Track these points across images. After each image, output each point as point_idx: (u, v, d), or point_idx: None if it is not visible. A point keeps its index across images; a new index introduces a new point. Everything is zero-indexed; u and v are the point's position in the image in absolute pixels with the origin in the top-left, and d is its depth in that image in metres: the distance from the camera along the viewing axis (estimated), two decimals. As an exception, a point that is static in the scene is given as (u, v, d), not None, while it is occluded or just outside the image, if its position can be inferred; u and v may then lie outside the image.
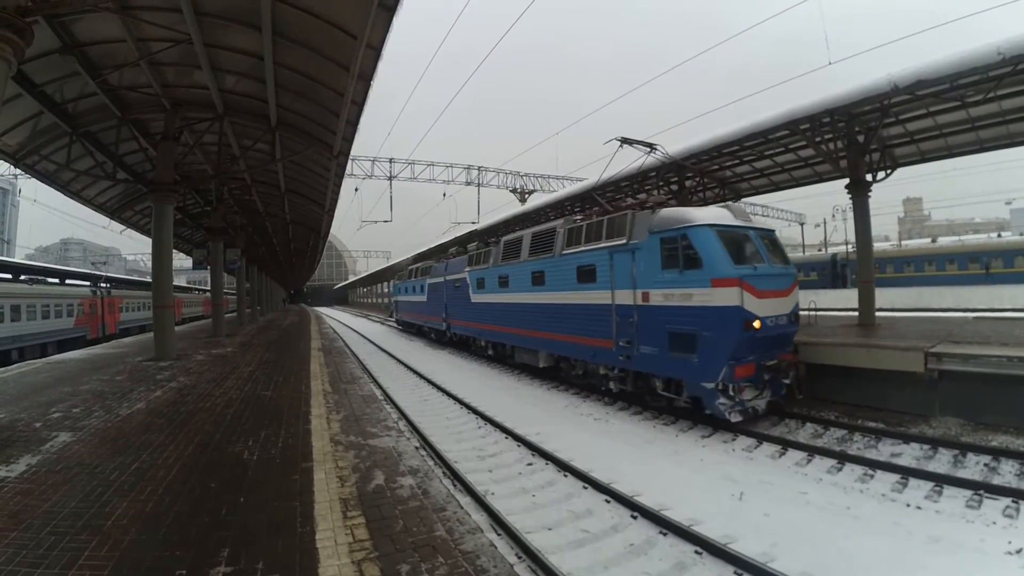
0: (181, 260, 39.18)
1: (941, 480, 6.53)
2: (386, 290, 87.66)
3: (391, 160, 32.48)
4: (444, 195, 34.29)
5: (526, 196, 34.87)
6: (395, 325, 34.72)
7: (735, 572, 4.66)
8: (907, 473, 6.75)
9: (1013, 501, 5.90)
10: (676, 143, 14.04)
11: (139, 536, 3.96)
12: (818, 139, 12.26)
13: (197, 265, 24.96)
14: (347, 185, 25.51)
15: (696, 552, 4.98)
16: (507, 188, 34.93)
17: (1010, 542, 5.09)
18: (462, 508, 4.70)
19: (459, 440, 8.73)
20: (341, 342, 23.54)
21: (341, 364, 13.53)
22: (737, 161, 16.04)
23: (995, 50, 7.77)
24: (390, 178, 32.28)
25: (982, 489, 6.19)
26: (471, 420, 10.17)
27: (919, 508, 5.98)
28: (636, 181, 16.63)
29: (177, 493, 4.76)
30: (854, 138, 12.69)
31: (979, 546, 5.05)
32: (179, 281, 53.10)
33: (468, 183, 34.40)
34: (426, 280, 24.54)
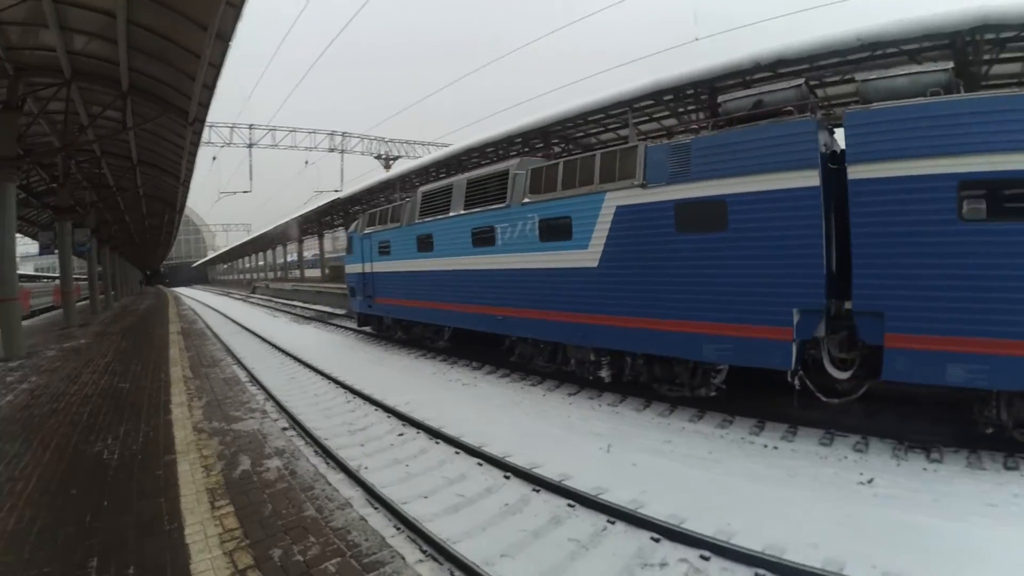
0: (27, 245, 35.72)
1: (795, 422, 6.95)
2: (248, 265, 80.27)
3: (251, 127, 30.62)
4: (306, 163, 32.71)
5: (390, 163, 34.23)
6: (360, 330, 19.18)
7: (608, 520, 4.80)
8: (764, 417, 7.19)
9: (862, 437, 6.42)
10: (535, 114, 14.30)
11: (2, 557, 3.73)
12: (681, 110, 12.67)
13: (44, 249, 22.55)
14: (204, 154, 24.77)
15: (569, 505, 5.11)
16: (371, 155, 34.12)
17: (861, 473, 5.61)
18: (330, 485, 4.86)
19: (328, 416, 8.43)
20: (201, 323, 22.31)
21: (202, 347, 13.22)
22: (602, 129, 15.97)
23: (854, 36, 8.33)
24: (249, 146, 30.55)
25: (832, 428, 6.64)
26: (340, 395, 9.79)
27: (776, 448, 6.42)
28: (502, 147, 16.68)
29: (38, 505, 4.51)
30: (716, 110, 13.24)
31: (833, 479, 5.52)
32: (26, 269, 48.89)
33: (331, 150, 33.06)
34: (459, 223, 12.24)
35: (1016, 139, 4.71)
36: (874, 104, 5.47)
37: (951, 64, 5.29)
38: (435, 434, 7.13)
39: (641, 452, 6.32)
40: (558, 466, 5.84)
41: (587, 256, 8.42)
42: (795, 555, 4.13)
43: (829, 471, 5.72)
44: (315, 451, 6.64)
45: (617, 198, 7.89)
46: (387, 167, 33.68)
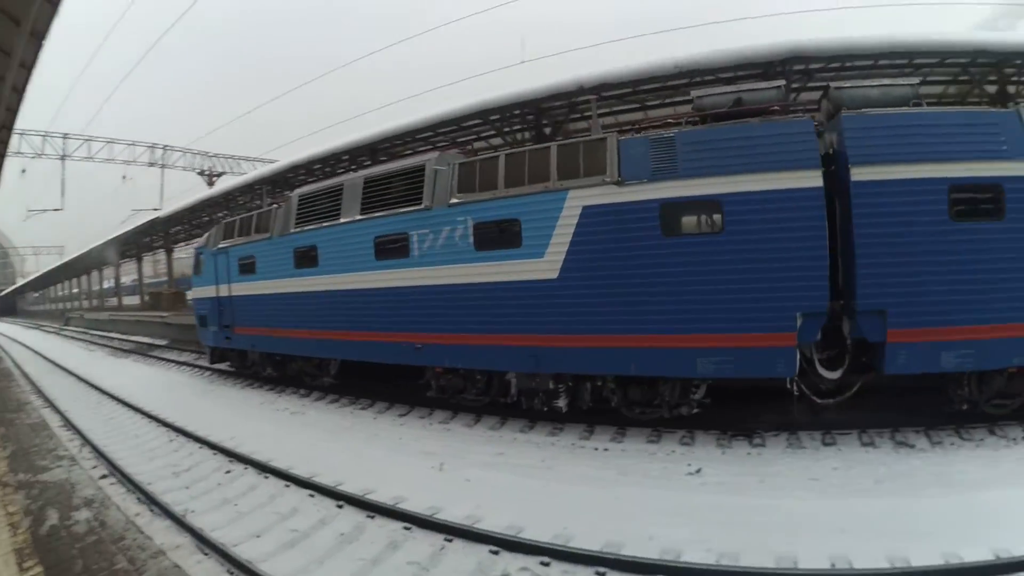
0: None
1: (624, 423, 7.21)
2: (62, 293, 67.78)
3: (65, 136, 26.82)
4: (124, 177, 29.55)
5: (214, 179, 32.09)
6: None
7: (445, 539, 4.77)
8: (593, 422, 7.39)
9: (687, 431, 6.79)
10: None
11: None
12: (507, 129, 13.28)
13: None
14: (12, 165, 21.69)
15: (406, 528, 5.03)
16: (194, 170, 31.95)
17: (689, 465, 5.93)
18: (143, 533, 4.84)
19: (151, 458, 7.79)
20: (9, 362, 20.85)
21: (7, 390, 12.46)
22: (430, 147, 15.90)
23: (673, 63, 8.82)
24: (63, 157, 26.97)
25: (660, 426, 6.96)
26: (163, 433, 9.05)
27: (606, 450, 6.65)
28: (329, 164, 16.13)
29: None
30: (541, 130, 13.45)
31: (663, 473, 5.82)
32: None
33: (152, 164, 30.22)
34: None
35: (994, 150, 5.23)
36: (871, 110, 5.60)
37: (918, 80, 5.83)
38: (264, 468, 6.74)
39: (474, 467, 6.37)
40: (392, 489, 5.74)
41: (543, 266, 7.08)
42: (633, 549, 4.28)
43: (658, 466, 6.04)
44: (138, 498, 6.19)
45: (583, 197, 6.77)
46: (210, 183, 30.93)
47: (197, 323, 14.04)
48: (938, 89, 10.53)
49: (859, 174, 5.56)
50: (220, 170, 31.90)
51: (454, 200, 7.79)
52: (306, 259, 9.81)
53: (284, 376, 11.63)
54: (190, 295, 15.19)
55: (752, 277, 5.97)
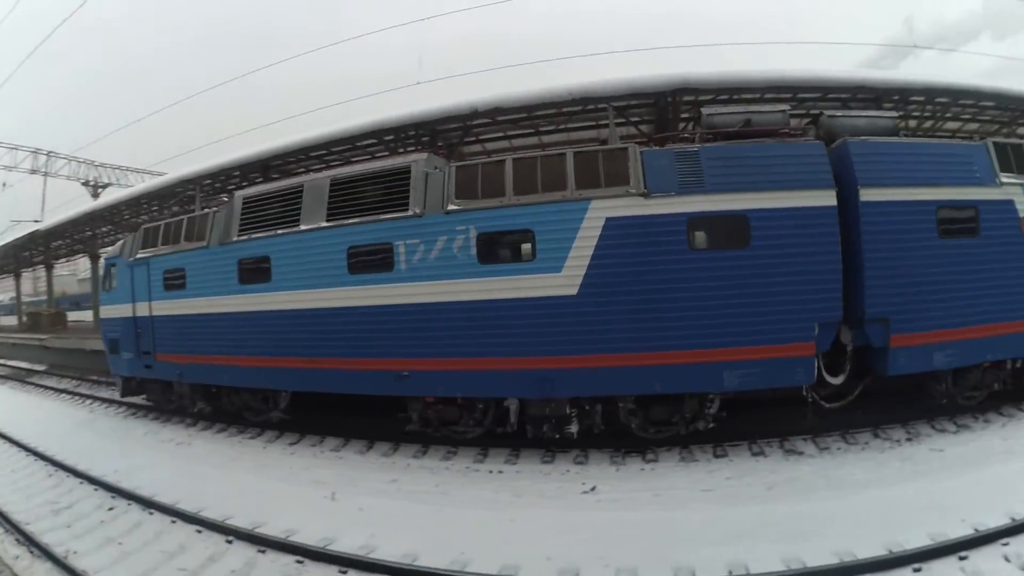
0: None
1: (518, 444, 7.24)
2: None
3: None
4: (3, 184, 27.35)
5: (99, 190, 29.80)
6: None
7: (339, 571, 4.73)
8: (487, 445, 7.39)
9: (581, 451, 6.93)
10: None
11: None
12: (401, 150, 13.28)
13: None
14: None
15: (298, 562, 4.95)
16: (79, 179, 29.43)
17: (584, 483, 6.07)
18: None
19: (29, 495, 7.24)
20: None
21: None
22: (324, 165, 15.69)
23: (566, 90, 8.99)
24: None
25: (553, 446, 7.06)
26: (41, 468, 8.39)
27: (501, 472, 6.72)
28: (219, 180, 15.56)
29: None
30: (437, 151, 13.97)
31: (558, 493, 5.93)
32: None
33: (34, 171, 27.43)
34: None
35: (970, 177, 6.11)
36: (872, 138, 6.21)
37: (899, 113, 6.65)
38: (149, 504, 6.49)
39: (368, 495, 6.26)
40: (283, 521, 5.60)
41: (560, 282, 6.63)
42: (531, 570, 4.39)
43: (553, 486, 6.15)
44: (16, 539, 5.83)
45: (606, 208, 6.50)
46: (95, 195, 28.41)
47: (106, 348, 11.27)
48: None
49: (866, 195, 6.12)
50: (106, 181, 29.78)
51: (452, 207, 6.99)
52: (255, 273, 8.18)
53: (219, 411, 9.59)
54: (102, 314, 11.94)
55: (775, 290, 6.20)
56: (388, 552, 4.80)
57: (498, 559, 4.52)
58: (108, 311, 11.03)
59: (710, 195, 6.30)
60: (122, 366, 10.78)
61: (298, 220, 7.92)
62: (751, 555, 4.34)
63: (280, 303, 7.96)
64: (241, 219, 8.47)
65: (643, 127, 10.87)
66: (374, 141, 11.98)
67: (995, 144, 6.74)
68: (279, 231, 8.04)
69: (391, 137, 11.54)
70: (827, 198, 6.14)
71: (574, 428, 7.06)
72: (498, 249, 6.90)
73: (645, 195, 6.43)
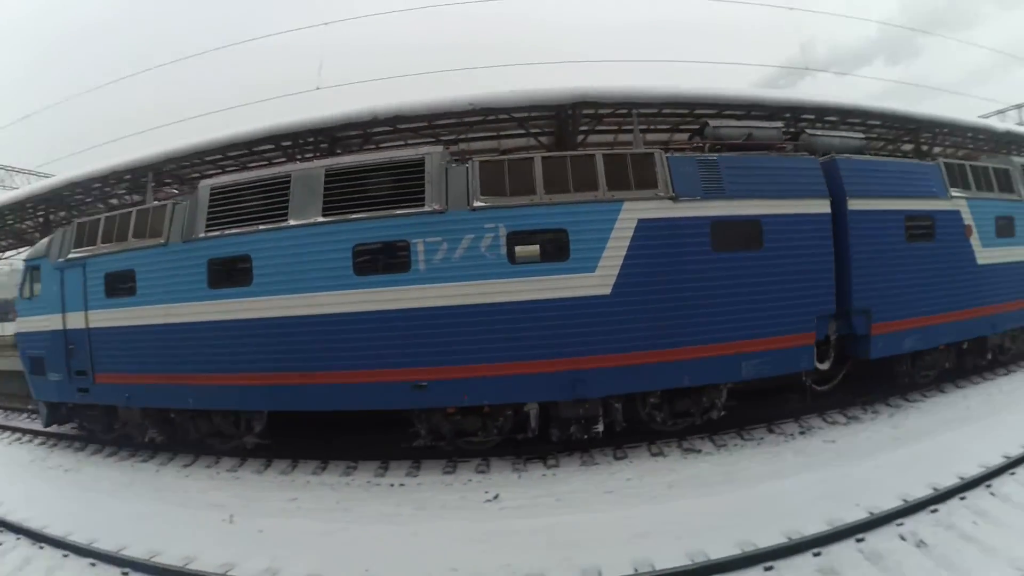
0: None
1: (418, 456, 7.23)
2: None
3: None
4: None
5: None
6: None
7: None
8: (387, 457, 7.35)
9: (482, 459, 7.06)
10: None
11: None
12: (299, 156, 12.97)
13: None
14: None
15: None
16: None
17: (486, 492, 6.15)
18: None
19: None
20: None
21: None
22: (219, 171, 14.48)
23: (468, 100, 8.86)
24: None
25: (455, 455, 7.11)
26: None
27: (403, 485, 6.70)
28: (109, 184, 13.81)
29: None
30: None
31: (461, 503, 6.01)
32: None
33: None
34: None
35: (928, 190, 7.41)
36: (855, 156, 7.23)
37: (863, 135, 7.79)
38: (38, 537, 6.10)
39: (267, 516, 6.11)
40: (181, 548, 5.40)
41: (594, 282, 6.67)
42: None
43: (456, 497, 6.21)
44: None
45: (638, 210, 6.69)
46: None
47: (26, 369, 8.99)
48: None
49: (853, 204, 7.10)
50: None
51: (478, 203, 6.65)
52: (232, 275, 6.98)
53: (176, 440, 8.10)
54: (15, 327, 9.55)
55: (784, 286, 6.90)
56: (293, 573, 4.69)
57: (403, 575, 4.51)
58: (28, 323, 8.70)
59: (730, 201, 6.83)
60: (48, 390, 8.65)
61: (286, 214, 6.92)
62: (656, 552, 4.48)
63: (264, 310, 6.86)
64: (209, 212, 7.17)
65: (543, 139, 11.13)
66: (272, 147, 11.15)
67: (946, 164, 8.21)
68: (261, 226, 6.94)
69: (289, 143, 10.88)
70: (823, 206, 7.02)
71: (600, 427, 7.10)
72: (524, 248, 6.64)
73: (674, 199, 6.75)
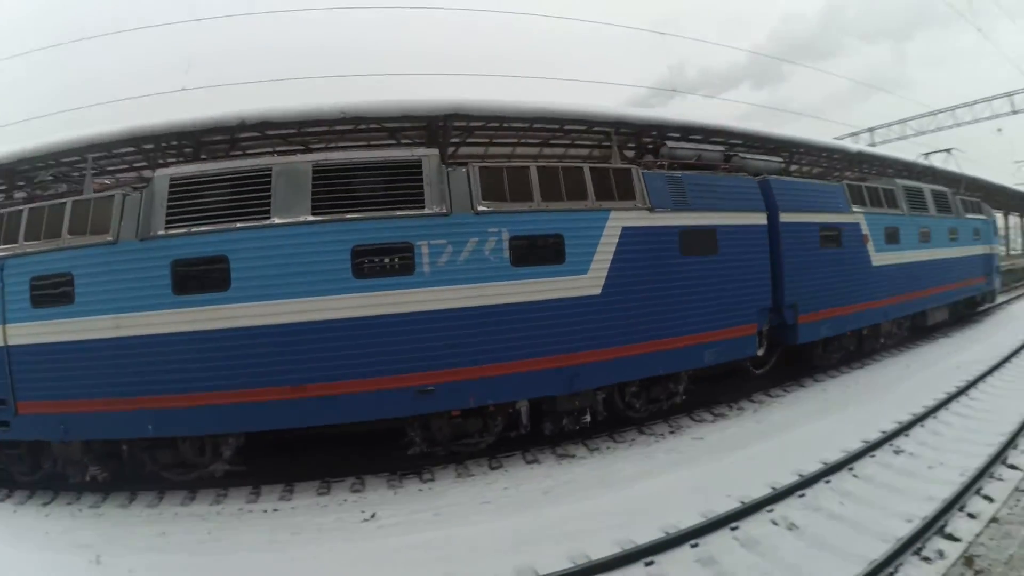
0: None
1: (291, 479, 6.94)
2: None
3: None
4: None
5: None
6: None
7: None
8: (259, 482, 6.95)
9: (356, 477, 6.82)
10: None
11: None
12: (161, 161, 12.01)
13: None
14: None
15: None
16: None
17: (363, 511, 5.97)
18: None
19: None
20: None
21: None
22: (78, 173, 13.13)
23: (339, 108, 8.58)
24: None
25: (328, 477, 6.89)
26: None
27: (276, 511, 6.40)
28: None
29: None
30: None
31: (338, 525, 5.84)
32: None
33: None
34: None
35: (836, 206, 9.29)
36: (782, 177, 8.79)
37: (780, 158, 9.47)
38: None
39: (136, 553, 5.77)
40: None
41: (586, 283, 7.27)
42: None
43: (332, 518, 6.00)
44: None
45: (623, 219, 7.44)
46: None
47: None
48: (584, 151, 12.29)
49: (784, 217, 8.65)
50: None
51: (482, 207, 6.83)
52: (204, 279, 6.22)
53: (120, 476, 6.94)
54: None
55: (735, 285, 8.17)
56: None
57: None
58: None
59: (693, 212, 7.91)
60: None
61: (268, 212, 6.38)
62: (537, 558, 4.53)
63: (246, 317, 6.21)
64: (169, 206, 6.30)
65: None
66: (132, 149, 10.31)
67: (847, 185, 10.35)
68: (239, 224, 6.30)
69: (151, 146, 10.14)
70: (761, 218, 8.48)
71: (588, 417, 7.68)
72: (531, 252, 7.01)
73: (650, 209, 7.62)
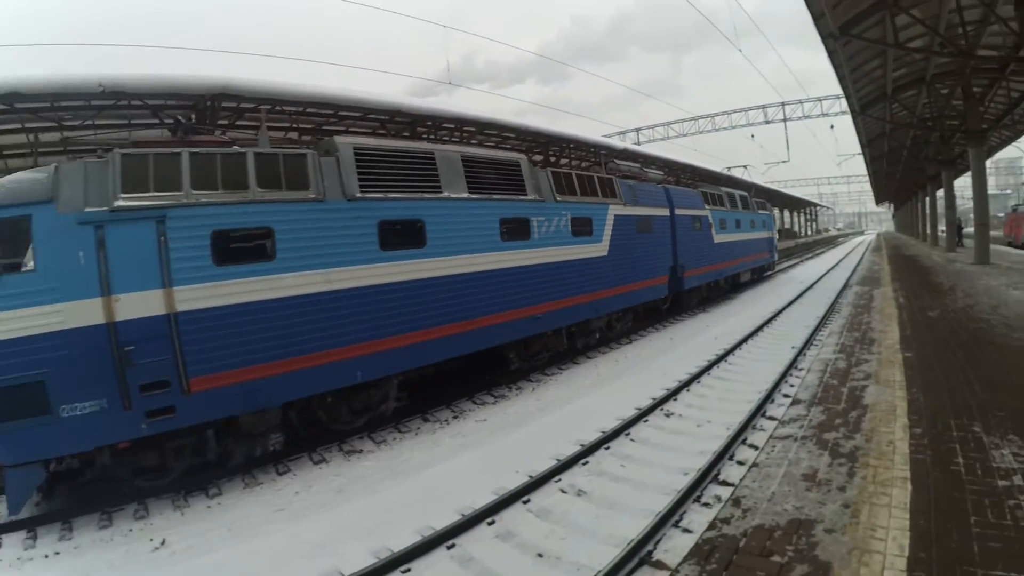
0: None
1: (67, 517, 5.85)
2: None
3: None
4: None
5: None
6: None
7: None
8: (34, 524, 5.78)
9: (139, 503, 6.03)
10: None
11: None
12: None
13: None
14: None
15: None
16: None
17: (151, 539, 5.37)
18: None
19: None
20: None
21: None
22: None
23: (96, 81, 7.78)
24: None
25: (106, 507, 5.94)
26: None
27: (58, 554, 5.39)
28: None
29: None
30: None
31: (127, 558, 5.09)
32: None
33: None
34: None
35: (698, 205, 15.71)
36: (676, 187, 14.58)
37: (663, 172, 15.39)
38: None
39: None
40: None
41: (600, 248, 11.58)
42: None
43: (119, 552, 5.30)
44: None
45: (614, 209, 12.00)
46: None
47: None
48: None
49: (677, 212, 14.53)
50: None
51: (558, 198, 10.44)
52: (403, 237, 7.77)
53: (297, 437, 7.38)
54: None
55: (659, 251, 13.67)
56: None
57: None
58: (11, 321, 5.13)
59: (641, 207, 13.01)
60: (43, 442, 5.43)
61: (440, 187, 8.38)
62: (340, 558, 4.48)
63: (436, 269, 8.14)
64: (359, 173, 7.46)
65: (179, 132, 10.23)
66: None
67: (702, 192, 17.04)
68: (427, 195, 8.15)
69: None
70: (667, 212, 14.23)
71: (580, 343, 11.74)
72: (579, 227, 10.81)
73: (624, 204, 12.34)
